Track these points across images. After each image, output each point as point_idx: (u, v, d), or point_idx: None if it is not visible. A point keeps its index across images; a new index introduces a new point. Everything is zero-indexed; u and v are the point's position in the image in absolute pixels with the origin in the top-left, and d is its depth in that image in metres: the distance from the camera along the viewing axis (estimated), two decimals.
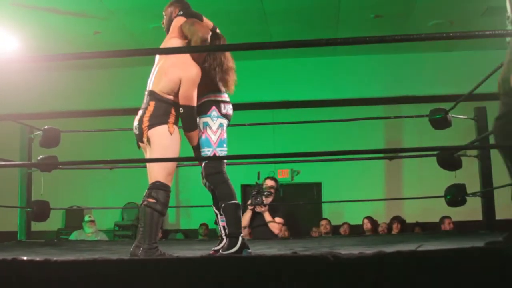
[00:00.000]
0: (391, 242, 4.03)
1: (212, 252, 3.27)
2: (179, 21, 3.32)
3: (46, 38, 7.67)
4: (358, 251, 2.04)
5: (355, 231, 7.82)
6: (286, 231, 7.24)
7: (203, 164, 3.28)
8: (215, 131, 3.25)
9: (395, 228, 7.56)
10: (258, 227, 5.74)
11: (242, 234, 3.18)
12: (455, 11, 7.27)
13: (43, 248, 4.20)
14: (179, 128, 3.22)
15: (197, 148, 3.27)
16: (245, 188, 8.54)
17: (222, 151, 3.26)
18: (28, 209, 5.23)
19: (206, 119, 3.26)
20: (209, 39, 3.20)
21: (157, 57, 3.38)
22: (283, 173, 9.01)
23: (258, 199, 5.55)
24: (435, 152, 5.05)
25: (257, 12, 7.19)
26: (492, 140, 5.18)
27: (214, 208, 3.36)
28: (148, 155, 3.23)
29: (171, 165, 3.15)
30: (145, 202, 3.08)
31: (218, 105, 3.28)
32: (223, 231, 3.26)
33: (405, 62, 8.70)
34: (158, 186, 3.08)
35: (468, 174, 5.29)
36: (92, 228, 7.76)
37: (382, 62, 8.71)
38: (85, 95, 8.86)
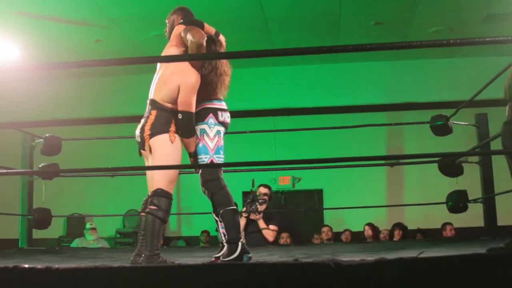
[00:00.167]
0: (393, 249, 4.02)
1: (213, 259, 3.27)
2: (178, 29, 3.34)
3: (48, 46, 7.69)
4: (359, 258, 2.04)
5: (357, 237, 7.81)
6: (289, 238, 7.24)
7: (200, 172, 3.29)
8: (212, 138, 3.27)
9: (397, 234, 7.54)
10: (252, 233, 5.75)
11: (241, 240, 3.19)
12: (455, 18, 7.29)
13: (45, 256, 4.19)
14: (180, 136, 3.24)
15: (194, 155, 3.29)
16: (246, 195, 8.52)
17: (219, 158, 3.28)
18: (30, 216, 5.24)
19: (203, 126, 3.28)
20: (204, 44, 3.21)
21: (158, 65, 3.40)
22: (285, 180, 9.00)
23: (253, 207, 5.55)
24: (436, 159, 5.05)
25: (258, 20, 7.21)
26: (493, 146, 5.21)
27: (214, 215, 3.36)
28: (149, 164, 3.24)
29: (173, 173, 3.16)
30: (147, 209, 3.08)
31: (215, 112, 3.30)
32: (223, 238, 3.27)
33: (406, 68, 8.72)
34: (160, 193, 3.09)
35: (470, 180, 5.29)
36: (94, 236, 7.74)
37: (382, 69, 8.72)
38: (86, 103, 8.88)
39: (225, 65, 3.37)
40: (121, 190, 8.56)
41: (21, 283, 1.94)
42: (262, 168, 6.44)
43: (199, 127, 3.28)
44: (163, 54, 3.40)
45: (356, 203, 6.85)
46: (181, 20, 3.40)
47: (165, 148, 3.14)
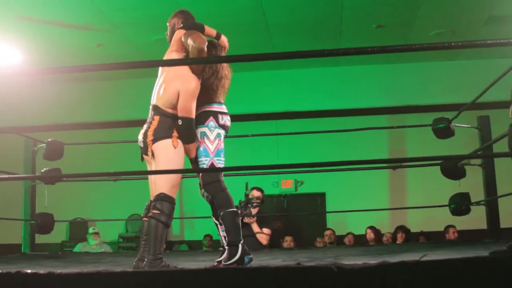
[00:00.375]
0: (396, 252, 4.02)
1: (216, 263, 3.27)
2: (179, 34, 3.33)
3: (50, 51, 7.71)
4: (362, 261, 2.04)
5: (360, 241, 7.80)
6: (292, 241, 7.23)
7: (200, 175, 3.30)
8: (212, 141, 3.28)
9: (400, 237, 7.54)
10: (246, 237, 5.71)
11: (241, 241, 3.19)
12: (457, 21, 7.28)
13: (47, 261, 4.19)
14: None
15: (195, 160, 3.29)
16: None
17: (219, 161, 3.29)
18: (32, 221, 5.24)
19: (203, 129, 3.28)
20: (205, 49, 3.21)
21: (160, 70, 3.40)
22: (287, 183, 9.00)
23: (247, 211, 5.54)
24: (438, 162, 5.04)
25: (260, 24, 7.22)
26: (495, 148, 5.21)
27: (213, 219, 3.36)
28: (152, 168, 3.25)
29: (175, 177, 3.16)
30: (150, 214, 3.08)
31: (216, 115, 3.31)
32: (224, 241, 3.27)
33: (408, 71, 8.71)
34: (163, 198, 3.09)
35: (472, 183, 5.28)
36: (96, 240, 7.75)
37: (384, 72, 8.72)
38: (89, 107, 8.90)
39: (226, 69, 3.38)
40: (124, 195, 8.56)
41: None
42: (264, 171, 6.44)
43: (199, 130, 3.28)
44: (163, 59, 3.40)
45: (358, 206, 6.84)
46: (182, 24, 3.40)
47: (168, 153, 3.14)
